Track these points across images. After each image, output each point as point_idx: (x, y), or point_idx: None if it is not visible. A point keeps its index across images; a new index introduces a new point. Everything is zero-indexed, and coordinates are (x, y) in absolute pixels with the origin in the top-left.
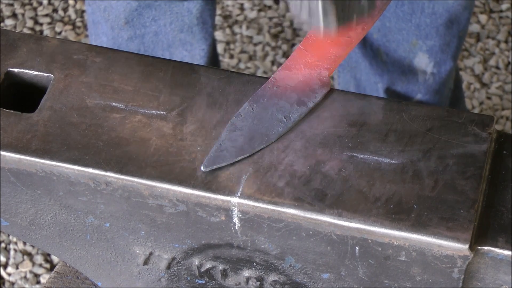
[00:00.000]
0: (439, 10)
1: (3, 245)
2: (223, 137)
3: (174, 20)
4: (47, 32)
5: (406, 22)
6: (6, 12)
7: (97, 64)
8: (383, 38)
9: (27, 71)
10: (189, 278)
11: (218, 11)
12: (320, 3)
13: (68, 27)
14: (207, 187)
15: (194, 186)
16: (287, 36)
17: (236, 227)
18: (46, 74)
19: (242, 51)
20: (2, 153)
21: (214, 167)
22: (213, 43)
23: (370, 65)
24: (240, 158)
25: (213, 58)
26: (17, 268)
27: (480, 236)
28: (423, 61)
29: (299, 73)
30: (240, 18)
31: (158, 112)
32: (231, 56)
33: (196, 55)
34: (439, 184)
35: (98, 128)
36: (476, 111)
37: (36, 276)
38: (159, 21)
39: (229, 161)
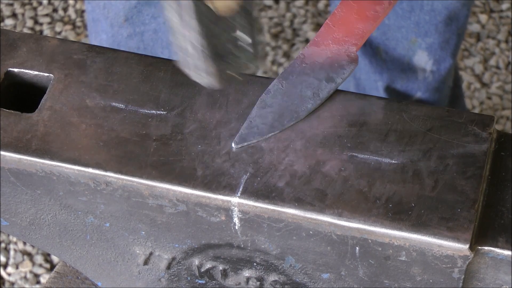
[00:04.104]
0: (438, 8)
1: (3, 245)
2: (253, 114)
3: None
4: (47, 32)
5: (405, 20)
6: (6, 12)
7: (97, 64)
8: (382, 36)
9: (27, 71)
10: (189, 278)
11: None
12: (202, 64)
13: (68, 27)
14: (207, 187)
15: (194, 186)
16: (287, 36)
17: (236, 227)
18: (46, 74)
19: None
20: (2, 153)
21: (245, 144)
22: None
23: (370, 63)
24: (270, 134)
25: None
26: (17, 268)
27: (480, 236)
28: (422, 59)
29: (327, 49)
30: None
31: (158, 112)
32: None
33: None
34: (439, 184)
35: (98, 128)
36: (476, 111)
37: (36, 276)
38: (158, 19)
39: (260, 138)
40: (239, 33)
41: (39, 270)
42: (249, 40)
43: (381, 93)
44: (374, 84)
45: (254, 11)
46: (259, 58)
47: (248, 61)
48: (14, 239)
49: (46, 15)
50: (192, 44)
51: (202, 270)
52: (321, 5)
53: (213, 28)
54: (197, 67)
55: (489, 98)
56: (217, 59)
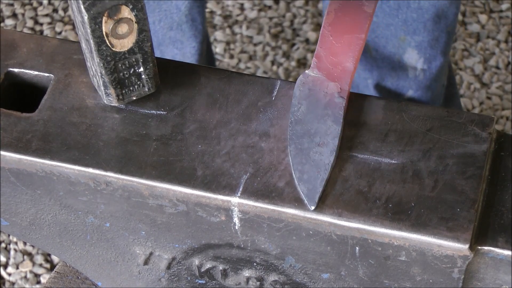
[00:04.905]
0: (425, 5)
1: (3, 245)
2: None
3: (163, 18)
4: (47, 32)
5: (393, 18)
6: (6, 12)
7: None
8: (372, 34)
9: (27, 71)
10: (189, 278)
11: (218, 11)
12: (101, 83)
13: (68, 27)
14: (207, 187)
15: (194, 186)
16: (287, 36)
17: (236, 227)
18: (46, 74)
19: (242, 51)
20: (2, 153)
21: (317, 196)
22: (204, 41)
23: (360, 61)
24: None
25: (207, 56)
26: (17, 268)
27: (480, 236)
28: (412, 57)
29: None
30: (240, 18)
31: (158, 112)
32: (231, 56)
33: (187, 53)
34: (439, 184)
35: (98, 128)
36: (476, 111)
37: (36, 276)
38: (148, 19)
39: (324, 177)
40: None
41: (39, 270)
42: (143, 71)
43: (372, 91)
44: (364, 81)
45: (147, 47)
46: (153, 85)
47: (144, 88)
48: (14, 239)
49: (46, 15)
50: (96, 71)
51: (202, 270)
52: (321, 5)
53: (110, 60)
54: (100, 88)
55: (489, 98)
56: (118, 85)
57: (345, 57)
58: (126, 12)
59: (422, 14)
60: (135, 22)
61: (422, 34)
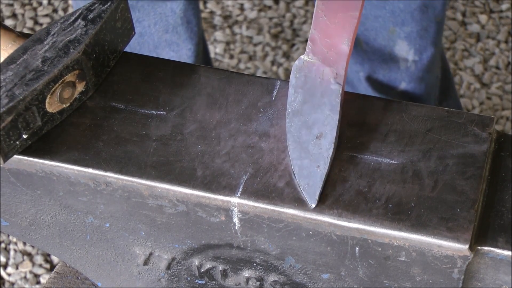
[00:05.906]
0: None
1: (3, 245)
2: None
3: (158, 21)
4: None
5: (380, 9)
6: (6, 12)
7: None
8: (361, 26)
9: None
10: (189, 279)
11: (218, 11)
12: None
13: None
14: (207, 187)
15: (194, 186)
16: (287, 36)
17: (236, 227)
18: None
19: (242, 51)
20: None
21: (318, 192)
22: (200, 42)
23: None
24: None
25: (203, 58)
26: (17, 268)
27: (480, 236)
28: (403, 49)
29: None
30: (240, 18)
31: (158, 112)
32: (231, 56)
33: (183, 55)
34: (439, 184)
35: (98, 128)
36: (476, 111)
37: (36, 276)
38: (143, 22)
39: (324, 174)
40: None
41: (39, 270)
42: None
43: (364, 84)
44: (356, 74)
45: None
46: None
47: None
48: (14, 239)
49: (46, 15)
50: None
51: (202, 270)
52: None
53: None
54: None
55: (489, 98)
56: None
57: (340, 39)
58: None
59: (409, 4)
60: None
61: (411, 25)
